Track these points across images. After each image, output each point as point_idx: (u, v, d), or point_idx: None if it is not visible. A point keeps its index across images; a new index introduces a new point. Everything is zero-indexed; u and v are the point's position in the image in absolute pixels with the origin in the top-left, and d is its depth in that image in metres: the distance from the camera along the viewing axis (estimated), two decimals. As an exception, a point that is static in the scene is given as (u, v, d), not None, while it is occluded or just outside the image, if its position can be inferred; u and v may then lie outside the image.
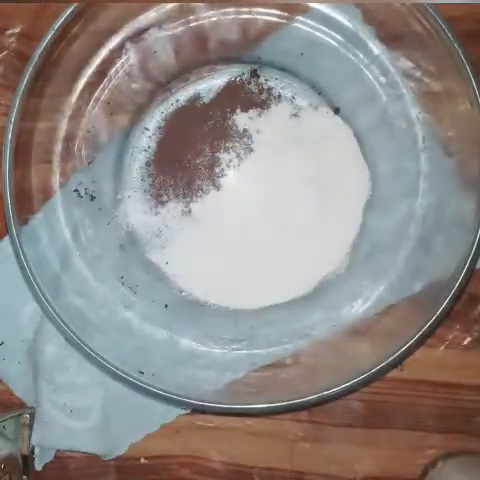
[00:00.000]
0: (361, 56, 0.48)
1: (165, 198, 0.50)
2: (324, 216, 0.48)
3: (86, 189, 0.48)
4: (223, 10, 0.49)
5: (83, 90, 0.48)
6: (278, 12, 0.48)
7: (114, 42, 0.49)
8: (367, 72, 0.48)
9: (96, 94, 0.49)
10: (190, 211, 0.49)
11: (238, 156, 0.49)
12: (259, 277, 0.48)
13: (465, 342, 0.48)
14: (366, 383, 0.45)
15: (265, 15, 0.48)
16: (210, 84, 0.50)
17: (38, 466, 0.49)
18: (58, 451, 0.49)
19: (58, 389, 0.48)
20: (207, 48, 0.49)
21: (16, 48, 0.51)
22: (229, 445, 0.49)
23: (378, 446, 0.48)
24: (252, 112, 0.50)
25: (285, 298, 0.48)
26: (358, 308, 0.47)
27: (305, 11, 0.48)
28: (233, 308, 0.48)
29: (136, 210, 0.50)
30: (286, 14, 0.48)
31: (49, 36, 0.44)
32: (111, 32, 0.48)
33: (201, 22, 0.49)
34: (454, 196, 0.45)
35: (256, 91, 0.50)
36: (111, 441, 0.49)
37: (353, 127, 0.49)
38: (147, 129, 0.50)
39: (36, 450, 0.49)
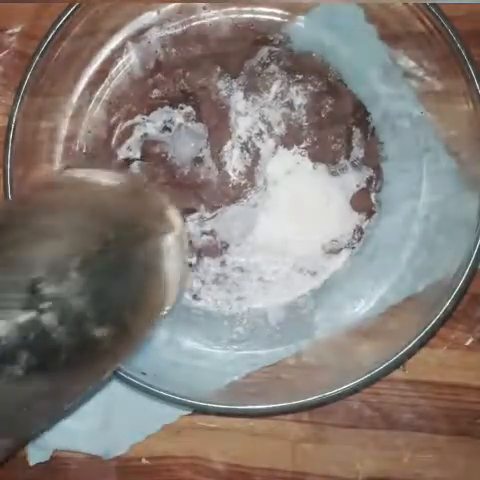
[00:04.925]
0: (363, 55, 0.48)
1: (167, 198, 0.50)
2: (326, 215, 0.48)
3: (87, 189, 0.48)
4: (224, 10, 0.49)
5: (84, 90, 0.48)
6: (280, 11, 0.48)
7: (115, 42, 0.49)
8: (369, 71, 0.48)
9: (97, 94, 0.49)
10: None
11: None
12: (261, 277, 0.48)
13: (468, 342, 0.48)
14: (368, 384, 0.45)
15: (267, 15, 0.48)
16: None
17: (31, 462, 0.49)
18: (58, 451, 0.49)
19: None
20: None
21: (16, 48, 0.51)
22: (230, 446, 0.49)
23: (380, 447, 0.48)
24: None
25: (287, 298, 0.48)
26: (361, 308, 0.47)
27: (307, 11, 0.48)
28: (235, 308, 0.48)
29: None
30: (288, 14, 0.48)
31: (50, 36, 0.45)
32: (112, 32, 0.49)
33: (202, 21, 0.49)
34: (457, 196, 0.45)
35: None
36: (112, 442, 0.49)
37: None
38: (148, 129, 0.50)
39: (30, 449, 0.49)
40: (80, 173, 0.35)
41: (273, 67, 0.48)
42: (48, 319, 0.27)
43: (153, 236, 0.34)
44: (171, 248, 0.34)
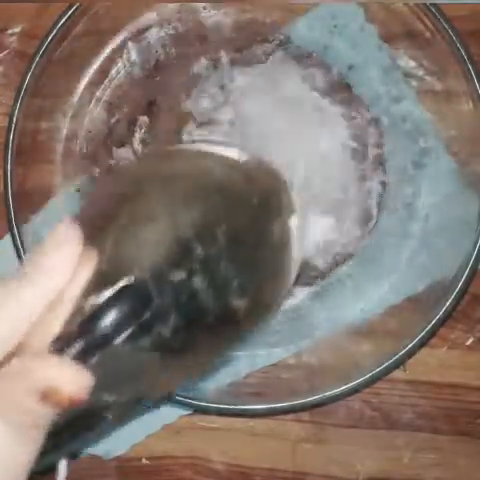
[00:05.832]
0: (363, 55, 0.48)
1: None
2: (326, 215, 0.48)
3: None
4: (224, 10, 0.49)
5: (84, 90, 0.48)
6: (280, 11, 0.48)
7: (115, 42, 0.49)
8: (369, 71, 0.48)
9: (97, 94, 0.49)
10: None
11: None
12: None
13: (468, 342, 0.48)
14: (369, 384, 0.45)
15: (267, 15, 0.48)
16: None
17: None
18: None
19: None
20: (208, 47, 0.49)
21: (17, 48, 0.51)
22: (231, 446, 0.48)
23: (380, 447, 0.48)
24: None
25: (287, 299, 0.48)
26: (361, 308, 0.47)
27: (307, 11, 0.48)
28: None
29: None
30: (288, 14, 0.48)
31: (51, 36, 0.44)
32: (112, 32, 0.49)
33: (202, 21, 0.49)
34: (457, 196, 0.45)
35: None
36: (112, 442, 0.49)
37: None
38: (149, 129, 0.50)
39: None
40: (205, 147, 0.35)
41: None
42: (198, 281, 0.27)
43: (285, 213, 0.34)
44: (296, 229, 0.34)
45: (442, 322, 0.42)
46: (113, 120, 0.49)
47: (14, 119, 0.44)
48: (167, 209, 0.28)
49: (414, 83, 0.47)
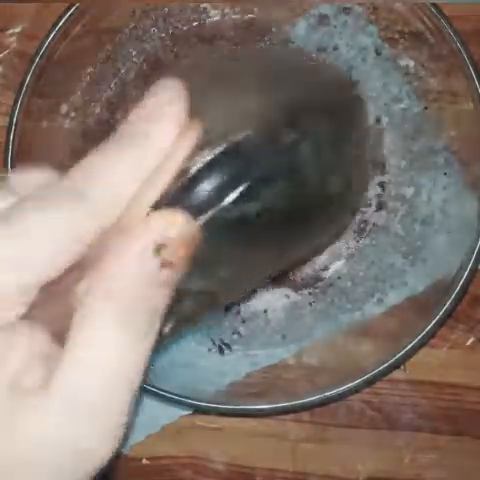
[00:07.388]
0: (364, 55, 0.48)
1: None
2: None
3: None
4: (225, 10, 0.49)
5: (84, 90, 0.48)
6: (280, 12, 0.48)
7: (115, 42, 0.49)
8: (369, 72, 0.48)
9: (98, 94, 0.49)
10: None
11: None
12: (261, 278, 0.48)
13: (469, 342, 0.48)
14: (369, 384, 0.45)
15: (267, 15, 0.48)
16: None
17: None
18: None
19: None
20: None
21: (17, 48, 0.51)
22: (231, 446, 0.48)
23: (381, 447, 0.48)
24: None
25: (287, 299, 0.48)
26: (361, 308, 0.47)
27: (307, 11, 0.48)
28: (235, 309, 0.48)
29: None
30: (288, 14, 0.48)
31: (51, 36, 0.44)
32: (112, 32, 0.49)
33: (202, 22, 0.49)
34: (457, 196, 0.45)
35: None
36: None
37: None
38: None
39: None
40: None
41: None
42: (304, 147, 0.27)
43: (364, 119, 0.35)
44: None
45: (442, 322, 0.42)
46: (114, 120, 0.49)
47: (14, 119, 0.44)
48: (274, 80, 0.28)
49: (414, 83, 0.47)
